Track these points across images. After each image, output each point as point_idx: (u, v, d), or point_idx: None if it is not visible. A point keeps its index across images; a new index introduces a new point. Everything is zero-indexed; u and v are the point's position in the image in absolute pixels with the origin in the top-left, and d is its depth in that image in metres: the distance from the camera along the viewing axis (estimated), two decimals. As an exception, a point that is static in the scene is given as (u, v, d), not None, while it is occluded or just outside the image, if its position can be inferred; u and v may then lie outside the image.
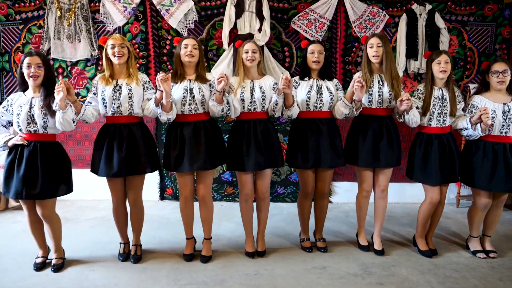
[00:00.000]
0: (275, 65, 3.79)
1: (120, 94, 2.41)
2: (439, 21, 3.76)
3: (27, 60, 2.27)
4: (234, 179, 4.00)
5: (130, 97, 2.42)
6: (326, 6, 3.75)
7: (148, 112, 2.48)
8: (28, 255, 2.68)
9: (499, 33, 3.90)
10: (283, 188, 4.02)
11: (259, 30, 3.69)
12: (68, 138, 3.87)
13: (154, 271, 2.48)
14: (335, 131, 2.65)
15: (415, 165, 2.66)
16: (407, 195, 4.06)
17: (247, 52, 2.54)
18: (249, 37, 3.69)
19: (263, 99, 2.56)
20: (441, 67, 2.53)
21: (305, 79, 2.66)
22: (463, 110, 2.66)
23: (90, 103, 2.49)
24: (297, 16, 3.76)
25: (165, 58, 3.91)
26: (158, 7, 3.72)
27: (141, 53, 3.89)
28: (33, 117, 2.30)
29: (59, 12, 3.80)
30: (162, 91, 2.32)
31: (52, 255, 2.53)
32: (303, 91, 2.62)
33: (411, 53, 3.77)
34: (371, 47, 2.57)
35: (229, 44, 3.73)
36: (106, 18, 3.79)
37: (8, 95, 4.06)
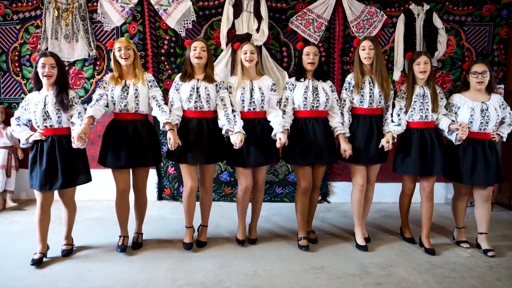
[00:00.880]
0: (273, 65, 3.78)
1: (127, 93, 2.62)
2: (437, 21, 3.77)
3: (42, 60, 2.44)
4: (232, 179, 4.00)
5: (136, 97, 2.62)
6: (324, 6, 3.75)
7: (153, 113, 2.67)
8: (25, 255, 2.67)
9: (496, 33, 3.91)
10: (281, 188, 4.02)
11: (257, 30, 3.69)
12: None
13: (152, 271, 2.47)
14: (329, 130, 2.77)
15: (397, 157, 2.84)
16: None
17: (245, 53, 2.68)
18: (247, 37, 3.68)
19: (262, 100, 2.71)
20: (421, 68, 2.70)
21: (301, 80, 2.76)
22: (445, 108, 2.81)
23: (98, 100, 2.60)
24: (295, 16, 3.75)
25: (163, 58, 3.90)
26: (156, 7, 3.71)
27: (139, 53, 3.87)
28: (48, 113, 2.48)
29: (56, 12, 3.79)
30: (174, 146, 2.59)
31: (62, 241, 2.73)
32: (300, 92, 2.72)
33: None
34: (363, 49, 2.70)
35: (227, 44, 3.73)
36: (103, 18, 3.78)
37: (5, 95, 4.07)
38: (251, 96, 2.69)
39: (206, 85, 2.67)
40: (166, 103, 2.72)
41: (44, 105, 2.47)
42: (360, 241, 2.83)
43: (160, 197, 4.07)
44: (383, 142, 2.69)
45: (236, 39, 3.71)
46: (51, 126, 2.49)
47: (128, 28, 3.88)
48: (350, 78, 2.80)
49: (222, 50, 3.78)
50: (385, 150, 2.72)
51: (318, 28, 3.75)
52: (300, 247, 2.82)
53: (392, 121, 2.79)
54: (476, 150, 2.70)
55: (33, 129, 2.60)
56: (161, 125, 2.62)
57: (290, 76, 3.73)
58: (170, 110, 2.68)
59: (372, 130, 2.75)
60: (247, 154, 2.67)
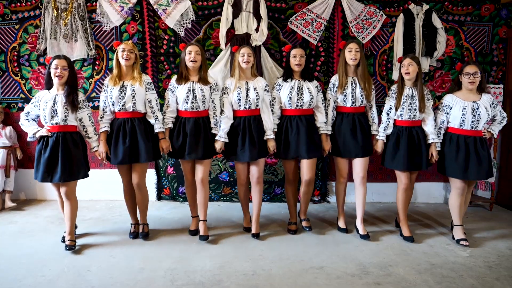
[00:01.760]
0: (273, 64, 3.78)
1: (125, 94, 2.80)
2: (436, 21, 3.77)
3: (55, 62, 2.68)
4: (231, 179, 4.00)
5: (133, 97, 2.81)
6: (323, 6, 3.74)
7: (151, 121, 2.90)
8: (24, 256, 2.67)
9: (495, 33, 3.91)
10: (280, 188, 4.02)
11: (257, 30, 3.68)
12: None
13: (151, 271, 2.47)
14: (313, 127, 3.00)
15: (387, 153, 3.02)
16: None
17: (243, 55, 2.90)
18: (246, 37, 3.68)
19: (257, 99, 2.93)
20: (404, 70, 2.92)
21: (288, 80, 2.99)
22: (437, 108, 3.01)
23: (104, 110, 2.88)
24: (295, 16, 3.75)
25: (162, 58, 3.89)
26: (155, 7, 3.71)
27: (139, 56, 3.86)
28: (56, 111, 2.69)
29: (55, 12, 3.78)
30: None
31: (66, 236, 2.82)
32: (285, 92, 2.96)
33: (408, 53, 3.76)
34: (349, 51, 2.92)
35: (226, 44, 3.73)
36: (103, 17, 3.77)
37: (4, 95, 4.06)
38: (247, 95, 2.91)
39: (201, 86, 2.88)
40: (161, 107, 2.93)
41: (54, 104, 2.68)
42: (342, 224, 3.17)
43: (159, 197, 4.07)
44: (376, 148, 3.03)
45: (235, 39, 3.70)
46: (57, 123, 2.69)
47: (127, 28, 3.87)
48: (334, 79, 3.04)
49: (221, 50, 3.78)
50: (378, 155, 3.06)
51: (317, 28, 3.75)
52: (289, 230, 3.13)
53: (381, 121, 3.04)
54: (469, 147, 2.87)
55: (40, 124, 2.80)
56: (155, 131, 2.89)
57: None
58: (165, 112, 2.92)
59: (355, 126, 2.98)
60: (242, 149, 2.90)
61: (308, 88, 2.96)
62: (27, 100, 4.03)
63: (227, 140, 2.92)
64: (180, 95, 2.85)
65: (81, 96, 2.79)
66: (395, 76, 3.84)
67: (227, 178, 4.01)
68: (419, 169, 2.99)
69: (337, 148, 3.02)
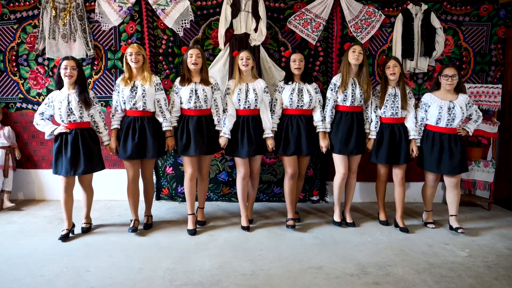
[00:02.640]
0: (271, 65, 3.78)
1: (136, 93, 2.99)
2: (435, 21, 3.77)
3: (64, 63, 2.87)
4: (230, 179, 4.00)
5: (143, 96, 3.00)
6: (322, 6, 3.74)
7: (160, 119, 3.10)
8: (22, 256, 2.66)
9: (494, 33, 3.92)
10: (279, 188, 4.02)
11: (255, 29, 3.68)
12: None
13: (150, 271, 2.47)
14: (312, 126, 3.20)
15: (373, 148, 3.24)
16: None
17: (242, 59, 3.10)
18: (245, 37, 3.68)
19: (255, 100, 3.12)
20: (390, 71, 3.13)
21: (289, 83, 3.17)
22: (417, 106, 3.23)
23: (116, 109, 3.08)
24: (293, 16, 3.75)
25: (161, 58, 3.89)
26: (153, 7, 3.70)
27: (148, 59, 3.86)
28: (72, 109, 2.89)
29: (54, 12, 3.77)
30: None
31: (82, 220, 3.19)
32: (287, 93, 3.15)
33: (407, 53, 3.78)
34: (353, 51, 3.09)
35: (225, 44, 3.72)
36: (101, 17, 3.76)
37: (2, 95, 4.05)
38: (246, 96, 3.10)
39: (203, 87, 3.07)
40: (167, 106, 3.13)
41: (68, 103, 2.88)
42: (337, 218, 3.33)
43: (158, 197, 4.06)
44: (368, 146, 3.24)
45: (234, 38, 3.70)
46: (74, 120, 2.91)
47: (126, 27, 3.87)
48: (335, 79, 3.19)
49: (220, 50, 3.77)
50: (368, 152, 3.25)
51: (316, 28, 3.75)
52: (287, 226, 3.22)
53: (372, 120, 3.24)
54: (443, 143, 3.10)
55: (54, 123, 2.99)
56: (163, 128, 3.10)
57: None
58: (170, 112, 3.11)
59: (352, 125, 3.16)
60: (242, 146, 3.10)
61: (308, 90, 3.15)
62: (25, 100, 4.02)
63: (230, 137, 3.12)
64: (183, 95, 3.06)
65: (91, 94, 3.00)
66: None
67: (226, 178, 4.01)
68: (398, 163, 3.20)
69: (336, 145, 3.17)
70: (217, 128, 3.13)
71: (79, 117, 2.91)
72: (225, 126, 3.10)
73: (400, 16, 3.81)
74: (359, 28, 3.77)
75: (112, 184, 3.95)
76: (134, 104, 2.99)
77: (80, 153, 2.89)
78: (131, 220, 3.17)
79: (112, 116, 3.09)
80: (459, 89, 3.14)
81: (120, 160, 3.93)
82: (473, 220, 3.56)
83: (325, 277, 2.41)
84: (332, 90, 3.18)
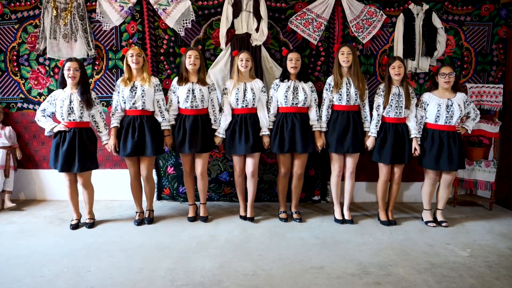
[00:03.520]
0: (272, 64, 3.77)
1: (135, 93, 3.10)
2: (436, 21, 3.77)
3: (67, 64, 2.99)
4: (231, 179, 3.99)
5: (143, 96, 3.10)
6: (323, 6, 3.74)
7: (159, 119, 3.20)
8: (23, 256, 2.66)
9: (495, 33, 3.91)
10: (280, 188, 4.02)
11: (257, 29, 3.68)
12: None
13: (150, 271, 2.46)
14: (307, 124, 3.23)
15: (375, 147, 3.25)
16: (404, 195, 4.08)
17: (241, 60, 3.19)
18: (247, 36, 3.68)
19: (253, 99, 3.22)
20: (396, 71, 3.16)
21: (285, 81, 3.23)
22: (416, 105, 3.26)
23: (116, 108, 3.17)
24: (295, 15, 3.75)
25: (162, 58, 3.89)
26: (155, 7, 3.70)
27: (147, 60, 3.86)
28: (73, 109, 3.00)
29: (55, 12, 3.78)
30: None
31: (85, 216, 3.30)
32: (282, 91, 3.21)
33: (408, 53, 3.77)
34: (342, 54, 3.16)
35: (226, 44, 3.72)
36: (102, 17, 3.77)
37: (3, 95, 4.06)
38: (244, 95, 3.20)
39: (200, 87, 3.18)
40: (166, 106, 3.24)
41: (70, 102, 2.99)
42: (338, 215, 3.39)
43: (159, 197, 4.06)
44: (368, 144, 3.24)
45: (236, 38, 3.70)
46: (74, 120, 3.01)
47: (127, 27, 3.87)
48: (330, 80, 3.25)
49: (221, 50, 3.77)
50: (369, 150, 3.27)
51: (317, 27, 3.74)
52: (280, 219, 3.41)
53: (372, 118, 3.26)
54: (442, 140, 3.16)
55: (55, 120, 3.09)
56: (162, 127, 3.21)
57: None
58: (168, 111, 3.23)
59: (348, 124, 3.20)
60: (239, 144, 3.20)
61: (303, 88, 3.21)
62: (26, 100, 4.02)
63: (224, 136, 3.26)
64: (181, 95, 3.17)
65: (93, 95, 3.11)
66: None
67: (227, 178, 4.01)
68: (402, 163, 3.25)
69: (332, 143, 3.22)
70: (213, 127, 3.25)
71: (79, 116, 3.01)
72: (220, 126, 3.23)
73: (401, 16, 3.80)
74: (361, 28, 3.77)
75: (113, 184, 3.96)
76: (133, 104, 3.09)
77: (76, 151, 2.98)
78: (136, 213, 3.36)
79: (112, 115, 3.19)
80: (456, 88, 3.21)
81: (121, 161, 3.95)
82: (474, 220, 3.56)
83: (326, 277, 2.40)
84: (327, 90, 3.25)
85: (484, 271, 2.49)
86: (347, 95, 3.17)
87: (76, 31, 3.80)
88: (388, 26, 3.87)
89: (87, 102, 3.01)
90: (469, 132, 3.26)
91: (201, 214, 3.42)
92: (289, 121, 3.18)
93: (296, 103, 3.17)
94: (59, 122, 3.05)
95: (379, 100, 3.23)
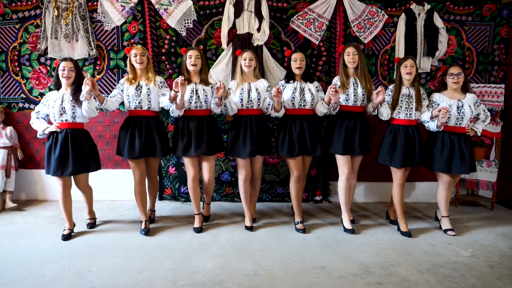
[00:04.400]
0: (274, 64, 3.77)
1: (140, 92, 3.00)
2: (438, 21, 3.77)
3: (62, 64, 2.87)
4: (233, 179, 3.99)
5: (148, 95, 3.00)
6: (325, 6, 3.74)
7: (162, 104, 3.04)
8: (24, 256, 2.66)
9: (497, 33, 3.91)
10: (282, 188, 4.01)
11: (258, 29, 3.68)
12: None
13: (152, 271, 2.46)
14: (315, 126, 3.15)
15: (384, 149, 3.14)
16: (405, 195, 4.08)
17: (245, 59, 3.08)
18: (248, 36, 3.68)
19: (258, 99, 3.09)
20: (407, 70, 3.03)
21: (290, 82, 3.14)
22: (427, 106, 3.11)
23: (115, 96, 3.05)
24: (296, 15, 3.75)
25: (163, 57, 3.89)
26: (156, 7, 3.70)
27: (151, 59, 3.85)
28: (65, 109, 2.87)
29: (56, 11, 3.78)
30: (176, 91, 2.85)
31: (86, 216, 3.25)
32: (288, 92, 3.10)
33: (410, 53, 3.77)
34: (347, 55, 3.06)
35: (228, 44, 3.72)
36: (104, 17, 3.77)
37: (5, 95, 4.06)
38: (249, 95, 3.07)
39: (203, 87, 3.06)
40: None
41: (62, 102, 2.87)
42: (347, 225, 3.18)
43: (161, 197, 4.06)
44: (379, 89, 2.93)
45: (237, 38, 3.70)
46: (66, 120, 2.88)
47: (129, 27, 3.87)
48: (336, 79, 3.15)
49: (222, 50, 3.77)
50: (379, 91, 2.93)
51: (319, 27, 3.74)
52: (297, 230, 3.18)
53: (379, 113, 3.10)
54: (453, 142, 3.04)
55: (50, 123, 2.96)
56: (169, 104, 2.97)
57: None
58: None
59: (356, 125, 3.10)
60: (243, 146, 3.06)
61: (309, 89, 3.12)
62: (27, 100, 4.02)
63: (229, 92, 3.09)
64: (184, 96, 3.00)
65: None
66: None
67: (229, 178, 4.01)
68: (412, 166, 3.13)
69: (339, 146, 3.09)
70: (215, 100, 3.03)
71: (72, 117, 2.88)
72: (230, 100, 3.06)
73: (403, 16, 3.80)
74: (362, 28, 3.76)
75: (114, 184, 3.96)
76: (139, 103, 3.00)
77: (69, 153, 2.85)
78: (141, 222, 3.16)
79: (110, 97, 3.03)
80: (465, 88, 3.11)
81: (122, 161, 3.94)
82: (476, 220, 3.55)
83: (327, 277, 2.40)
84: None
85: (486, 271, 2.49)
86: (355, 95, 3.06)
87: (78, 31, 3.81)
88: (389, 26, 3.87)
89: (78, 101, 2.86)
90: (479, 134, 3.14)
91: (204, 213, 3.38)
92: (297, 125, 3.09)
93: (303, 105, 3.08)
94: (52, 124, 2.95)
95: (387, 98, 3.09)
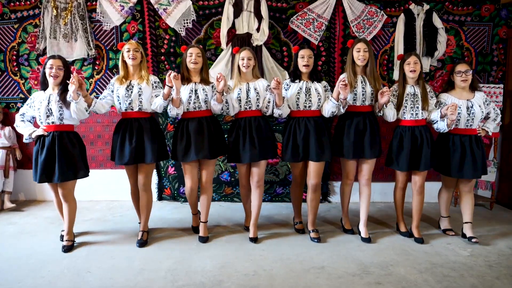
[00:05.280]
0: (273, 64, 3.77)
1: (131, 92, 2.77)
2: (437, 21, 3.77)
3: (50, 62, 2.64)
4: (233, 179, 3.99)
5: (139, 95, 2.77)
6: (324, 6, 3.74)
7: (155, 106, 2.81)
8: (23, 257, 2.66)
9: (496, 33, 3.92)
10: (281, 188, 4.01)
11: (258, 29, 3.68)
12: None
13: (151, 272, 2.46)
14: (322, 129, 2.90)
15: (390, 153, 3.00)
16: (407, 194, 4.07)
17: (243, 59, 2.86)
18: (247, 36, 3.68)
19: (257, 99, 2.87)
20: (411, 67, 2.84)
21: (296, 81, 2.90)
22: (435, 106, 2.94)
23: (104, 97, 2.85)
24: (296, 15, 3.75)
25: (162, 57, 3.88)
26: (155, 6, 3.70)
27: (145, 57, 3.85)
28: (51, 110, 2.64)
29: (55, 11, 3.77)
30: (170, 87, 2.69)
31: (65, 236, 2.81)
32: (293, 92, 2.88)
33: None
34: (358, 51, 2.83)
35: (227, 44, 3.72)
36: (103, 17, 3.76)
37: (3, 95, 4.05)
38: (247, 96, 2.85)
39: (203, 87, 2.86)
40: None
41: (48, 103, 2.64)
42: (348, 226, 3.16)
43: (160, 198, 4.06)
44: (384, 89, 2.74)
45: (236, 38, 3.70)
46: (53, 122, 2.65)
47: (128, 27, 3.86)
48: (343, 76, 2.86)
49: (222, 50, 3.77)
50: (384, 92, 2.74)
51: (318, 27, 3.74)
52: (297, 230, 3.15)
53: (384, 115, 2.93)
54: (464, 145, 2.87)
55: (36, 126, 2.73)
56: (163, 100, 2.74)
57: (290, 76, 3.72)
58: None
59: (365, 126, 2.88)
60: (243, 150, 2.84)
61: (316, 89, 2.88)
62: (26, 100, 4.00)
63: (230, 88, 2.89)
64: (182, 95, 2.82)
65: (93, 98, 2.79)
66: (396, 75, 3.85)
67: (228, 178, 4.01)
68: (419, 170, 2.92)
69: (347, 149, 2.90)
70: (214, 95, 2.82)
71: (59, 119, 2.63)
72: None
73: (402, 16, 3.81)
74: (361, 28, 3.77)
75: (114, 185, 3.95)
76: (129, 104, 2.76)
77: (56, 158, 2.60)
78: (139, 223, 3.02)
79: (99, 99, 2.85)
80: (474, 87, 2.91)
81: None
82: (475, 219, 3.53)
83: (327, 277, 2.40)
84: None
85: (484, 271, 2.49)
86: (363, 95, 2.84)
87: (77, 31, 3.80)
88: (388, 26, 3.87)
89: (65, 101, 2.62)
90: (490, 134, 3.01)
91: (201, 234, 2.95)
92: (302, 127, 2.84)
93: (309, 106, 2.85)
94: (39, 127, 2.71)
95: (392, 100, 2.91)
